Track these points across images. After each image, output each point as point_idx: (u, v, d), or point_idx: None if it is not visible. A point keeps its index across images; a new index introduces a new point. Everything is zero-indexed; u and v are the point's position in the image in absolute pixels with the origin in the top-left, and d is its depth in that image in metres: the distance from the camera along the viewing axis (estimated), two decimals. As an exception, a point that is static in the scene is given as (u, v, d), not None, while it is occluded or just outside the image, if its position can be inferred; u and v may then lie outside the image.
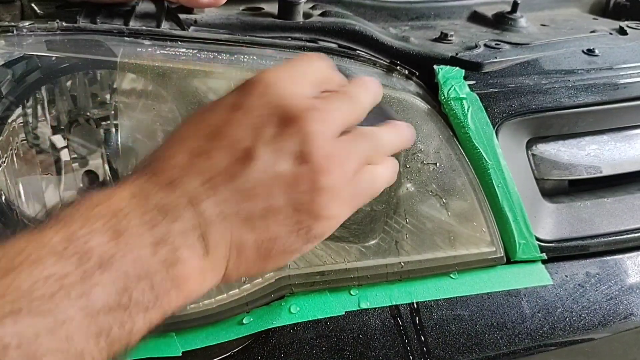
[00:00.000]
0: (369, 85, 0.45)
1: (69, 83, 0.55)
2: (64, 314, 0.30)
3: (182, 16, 0.65)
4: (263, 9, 0.72)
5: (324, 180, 0.38)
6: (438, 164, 0.62)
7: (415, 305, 0.59)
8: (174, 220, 0.35)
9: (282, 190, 0.38)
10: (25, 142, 0.55)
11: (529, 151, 0.67)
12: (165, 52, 0.56)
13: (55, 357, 0.30)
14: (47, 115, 0.55)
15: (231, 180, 0.37)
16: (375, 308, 0.58)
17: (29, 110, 0.54)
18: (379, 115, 0.46)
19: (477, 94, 0.63)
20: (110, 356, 0.33)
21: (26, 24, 0.56)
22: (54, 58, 0.54)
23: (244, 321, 0.56)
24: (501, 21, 0.80)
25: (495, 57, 0.67)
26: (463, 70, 0.64)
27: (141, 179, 0.37)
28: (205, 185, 0.37)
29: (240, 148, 0.38)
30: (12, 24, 0.55)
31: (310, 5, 0.75)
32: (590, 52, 0.71)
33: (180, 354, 0.54)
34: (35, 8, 0.64)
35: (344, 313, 0.57)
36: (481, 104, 0.62)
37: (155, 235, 0.35)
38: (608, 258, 0.67)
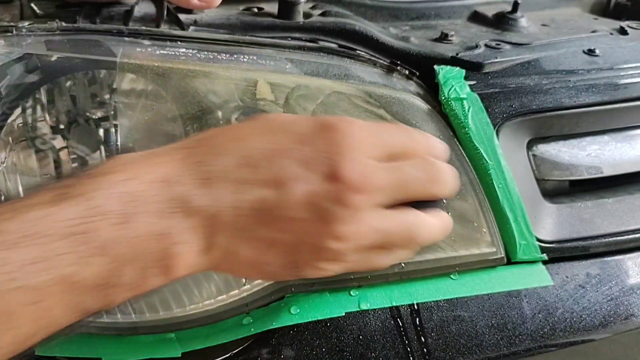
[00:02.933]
0: (448, 175, 0.45)
1: (68, 83, 0.55)
2: (48, 289, 0.32)
3: (182, 16, 0.65)
4: (263, 9, 0.72)
5: (333, 245, 0.39)
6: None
7: (415, 306, 0.59)
8: (188, 216, 0.36)
9: (293, 232, 0.39)
10: (25, 142, 0.55)
11: (530, 151, 0.67)
12: (164, 52, 0.56)
13: (28, 314, 0.32)
14: (47, 115, 0.55)
15: (259, 203, 0.38)
16: (375, 309, 0.58)
17: (29, 110, 0.54)
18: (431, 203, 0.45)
19: (478, 94, 0.63)
20: (78, 320, 0.35)
21: (26, 24, 0.56)
22: (53, 58, 0.54)
23: (244, 322, 0.56)
24: (502, 21, 0.80)
25: (496, 57, 0.67)
26: (463, 71, 0.64)
27: (182, 162, 0.38)
28: (235, 196, 0.38)
29: (283, 179, 0.38)
30: (12, 23, 0.55)
31: (310, 5, 0.75)
32: (591, 52, 0.71)
33: (180, 355, 0.54)
34: (35, 8, 0.64)
35: (344, 314, 0.57)
36: (482, 104, 0.62)
37: (163, 226, 0.36)
38: (609, 259, 0.66)
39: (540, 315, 0.61)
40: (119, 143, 0.56)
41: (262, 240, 0.39)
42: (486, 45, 0.70)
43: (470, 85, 0.63)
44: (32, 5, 0.64)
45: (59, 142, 0.56)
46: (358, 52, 0.66)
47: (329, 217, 0.38)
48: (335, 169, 0.38)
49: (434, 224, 0.44)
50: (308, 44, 0.63)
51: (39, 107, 0.54)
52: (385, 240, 0.42)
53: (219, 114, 0.56)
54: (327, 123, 0.40)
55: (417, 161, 0.43)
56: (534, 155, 0.67)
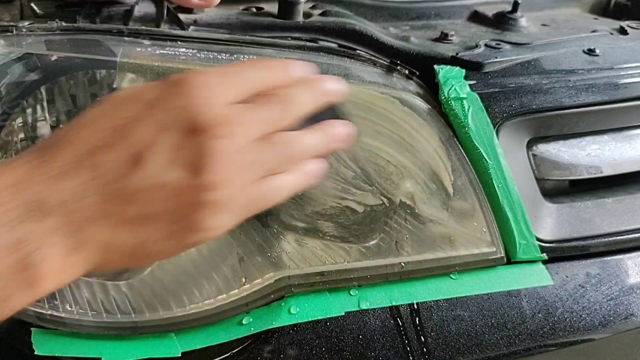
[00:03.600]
0: (317, 86, 0.44)
1: (68, 83, 0.55)
2: None
3: (182, 16, 0.65)
4: (263, 8, 0.72)
5: (209, 196, 0.37)
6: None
7: (415, 306, 0.59)
8: (45, 217, 0.34)
9: (163, 200, 0.37)
10: (25, 142, 0.55)
11: (530, 151, 0.67)
12: (165, 52, 0.56)
13: None
14: (47, 115, 0.55)
15: (116, 181, 0.36)
16: (375, 308, 0.58)
17: (29, 110, 0.54)
18: (325, 115, 0.45)
19: (478, 93, 0.63)
20: None
21: (26, 23, 0.56)
22: (53, 58, 0.54)
23: (244, 322, 0.56)
24: (502, 21, 0.80)
25: (496, 57, 0.67)
26: (463, 70, 0.64)
27: (31, 163, 0.36)
28: (92, 182, 0.36)
29: (136, 149, 0.36)
30: (12, 23, 0.55)
31: (310, 5, 0.75)
32: (590, 52, 0.71)
33: (180, 355, 0.54)
34: (35, 8, 0.64)
35: (343, 313, 0.57)
36: (482, 104, 0.62)
37: (18, 234, 0.34)
38: (609, 258, 0.66)
39: (540, 315, 0.61)
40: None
41: (135, 220, 0.37)
42: (486, 45, 0.70)
43: (470, 85, 0.63)
44: (32, 5, 0.64)
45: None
46: (358, 51, 0.66)
47: (196, 169, 0.37)
48: (191, 120, 0.37)
49: (310, 137, 0.43)
50: (308, 43, 0.63)
51: (39, 107, 0.54)
52: (266, 169, 0.41)
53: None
54: (174, 80, 0.39)
55: (275, 96, 0.41)
56: (533, 155, 0.67)
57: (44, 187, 0.35)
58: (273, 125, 0.41)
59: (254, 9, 0.73)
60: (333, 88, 0.46)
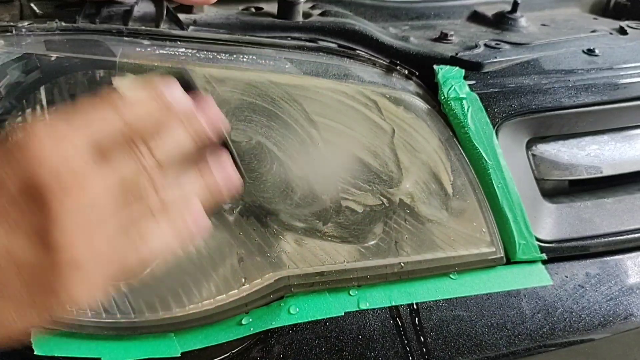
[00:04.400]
0: (195, 122, 0.40)
1: (68, 83, 0.55)
2: None
3: (181, 16, 0.65)
4: (263, 8, 0.72)
5: (61, 260, 0.34)
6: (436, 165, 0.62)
7: (414, 306, 0.59)
8: None
9: (13, 272, 0.34)
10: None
11: (529, 151, 0.67)
12: (164, 52, 0.56)
13: None
14: (47, 115, 0.54)
15: None
16: (374, 309, 0.58)
17: (28, 110, 0.54)
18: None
19: (477, 93, 0.63)
20: None
21: (25, 23, 0.56)
22: (53, 58, 0.54)
23: (243, 322, 0.56)
24: (501, 21, 0.80)
25: (495, 57, 0.67)
26: (463, 70, 0.64)
27: None
28: None
29: None
30: (11, 23, 0.55)
31: (310, 5, 0.75)
32: (590, 52, 0.71)
33: (179, 355, 0.54)
34: (35, 8, 0.64)
35: (343, 314, 0.57)
36: (481, 104, 0.62)
37: None
38: (608, 258, 0.66)
39: (539, 315, 0.61)
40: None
41: None
42: (486, 45, 0.70)
43: (469, 85, 0.63)
44: (32, 5, 0.64)
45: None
46: (358, 51, 0.66)
47: (41, 235, 0.34)
48: (32, 180, 0.34)
49: (184, 184, 0.40)
50: (307, 43, 0.63)
51: (38, 107, 0.54)
52: (128, 221, 0.37)
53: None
54: (17, 137, 0.35)
55: (141, 140, 0.37)
56: (533, 155, 0.67)
57: None
58: (134, 173, 0.37)
59: (254, 9, 0.73)
60: (209, 122, 0.41)
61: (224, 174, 0.42)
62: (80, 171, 0.35)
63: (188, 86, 0.42)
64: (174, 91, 0.40)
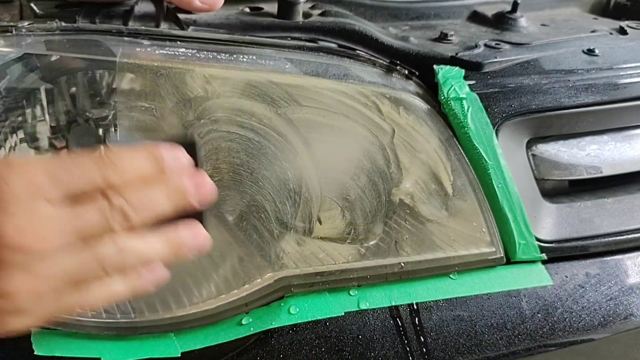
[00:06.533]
0: (177, 186, 0.40)
1: (68, 83, 0.55)
2: None
3: (181, 16, 0.65)
4: (262, 8, 0.72)
5: (3, 303, 0.36)
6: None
7: (414, 306, 0.59)
8: None
9: None
10: (24, 142, 0.55)
11: (529, 151, 0.67)
12: (164, 52, 0.56)
13: None
14: (47, 115, 0.55)
15: None
16: (374, 309, 0.58)
17: (28, 110, 0.54)
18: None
19: (477, 93, 0.63)
20: None
21: (25, 23, 0.56)
22: (53, 58, 0.54)
23: (243, 322, 0.56)
24: (501, 21, 0.80)
25: (495, 57, 0.67)
26: (463, 70, 0.64)
27: None
28: None
29: None
30: (12, 23, 0.55)
31: (310, 5, 0.75)
32: (590, 52, 0.71)
33: (180, 355, 0.54)
34: (35, 8, 0.64)
35: (343, 314, 0.57)
36: (481, 104, 0.62)
37: None
38: (608, 258, 0.66)
39: (539, 315, 0.61)
40: (118, 143, 0.56)
41: None
42: (486, 45, 0.70)
43: (469, 85, 0.63)
44: (32, 5, 0.64)
45: (58, 141, 0.56)
46: (358, 52, 0.66)
47: None
48: None
49: (148, 242, 0.40)
50: (307, 43, 0.63)
51: (39, 107, 0.54)
52: (80, 275, 0.38)
53: (219, 114, 0.56)
54: None
55: (98, 204, 0.38)
56: (533, 155, 0.67)
57: None
58: (97, 229, 0.38)
59: (254, 9, 0.73)
60: (197, 190, 0.42)
61: (189, 237, 0.42)
62: (38, 222, 0.35)
63: (193, 152, 0.43)
64: (175, 158, 0.41)
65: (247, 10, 0.72)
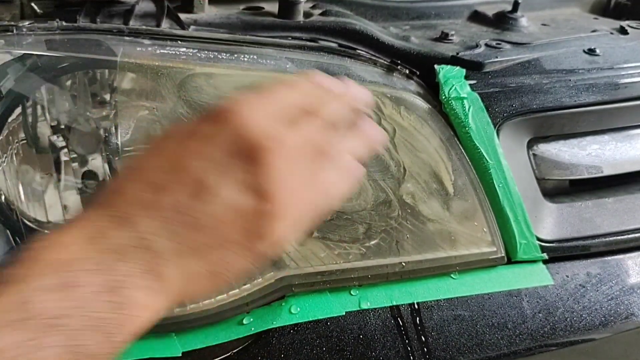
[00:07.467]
0: (349, 98, 0.47)
1: (68, 83, 0.55)
2: None
3: (182, 16, 0.65)
4: (263, 8, 0.72)
5: (270, 207, 0.39)
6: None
7: (415, 306, 0.59)
8: (127, 262, 0.36)
9: (234, 221, 0.39)
10: (25, 142, 0.55)
11: (530, 151, 0.67)
12: (165, 51, 0.56)
13: None
14: (47, 115, 0.54)
15: (186, 214, 0.38)
16: (375, 308, 0.58)
17: (29, 110, 0.54)
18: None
19: (478, 93, 0.63)
20: None
21: (26, 23, 0.56)
22: (53, 57, 0.54)
23: (244, 321, 0.56)
24: (502, 21, 0.80)
25: (496, 57, 0.67)
26: (464, 70, 0.64)
27: (96, 217, 0.37)
28: (162, 222, 0.37)
29: (197, 181, 0.38)
30: (12, 23, 0.55)
31: (311, 4, 0.75)
32: (591, 51, 0.71)
33: (180, 354, 0.54)
34: (35, 7, 0.64)
35: (344, 313, 0.57)
36: (482, 104, 0.62)
37: (107, 282, 0.35)
38: (609, 258, 0.66)
39: (540, 315, 0.61)
40: (119, 143, 0.56)
41: (206, 247, 0.38)
42: (486, 45, 0.70)
43: (470, 85, 0.63)
44: (33, 4, 0.64)
45: (59, 141, 0.55)
46: (358, 51, 0.66)
47: (258, 191, 0.38)
48: (244, 144, 0.38)
49: (352, 140, 0.46)
50: (308, 43, 0.63)
51: (39, 107, 0.54)
52: (318, 172, 0.42)
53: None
54: (220, 111, 0.40)
55: (314, 111, 0.43)
56: (534, 155, 0.67)
57: (117, 235, 0.36)
58: (314, 134, 0.43)
59: (254, 9, 0.73)
60: (363, 98, 0.48)
61: (373, 133, 0.48)
62: (278, 133, 0.40)
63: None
64: (326, 79, 0.47)
65: (248, 10, 0.73)
